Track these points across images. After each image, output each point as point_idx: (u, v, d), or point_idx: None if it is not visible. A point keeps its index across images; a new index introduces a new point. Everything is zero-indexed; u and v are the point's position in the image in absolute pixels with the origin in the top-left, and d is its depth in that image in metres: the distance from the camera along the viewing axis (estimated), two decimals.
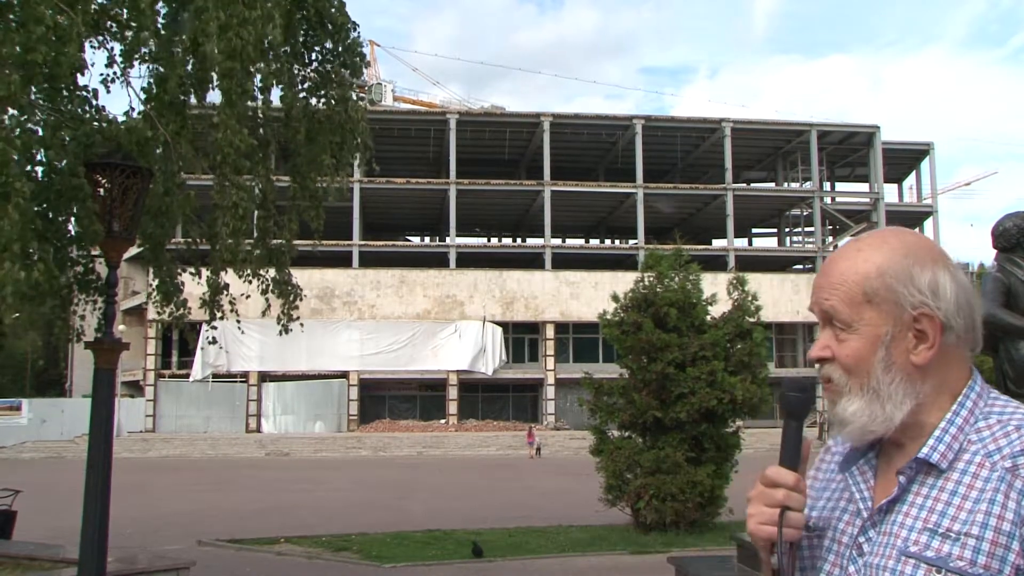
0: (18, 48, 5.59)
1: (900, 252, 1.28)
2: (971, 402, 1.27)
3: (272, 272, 9.27)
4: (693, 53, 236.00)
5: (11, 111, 5.94)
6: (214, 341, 9.60)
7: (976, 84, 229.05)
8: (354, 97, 9.26)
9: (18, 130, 5.93)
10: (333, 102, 8.82)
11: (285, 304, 9.35)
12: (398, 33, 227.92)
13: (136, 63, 7.23)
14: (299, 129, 8.69)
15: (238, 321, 9.35)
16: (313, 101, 8.92)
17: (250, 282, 8.85)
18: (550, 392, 47.58)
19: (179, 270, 9.16)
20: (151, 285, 9.18)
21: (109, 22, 7.17)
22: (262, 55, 7.19)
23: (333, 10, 8.67)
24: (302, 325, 9.60)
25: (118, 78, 7.32)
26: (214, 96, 7.60)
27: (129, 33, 6.99)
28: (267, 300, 9.27)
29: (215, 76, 6.74)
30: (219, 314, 9.04)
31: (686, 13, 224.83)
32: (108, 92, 7.34)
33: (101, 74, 7.32)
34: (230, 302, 9.13)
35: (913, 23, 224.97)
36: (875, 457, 1.33)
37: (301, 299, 9.62)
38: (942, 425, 1.25)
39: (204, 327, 9.52)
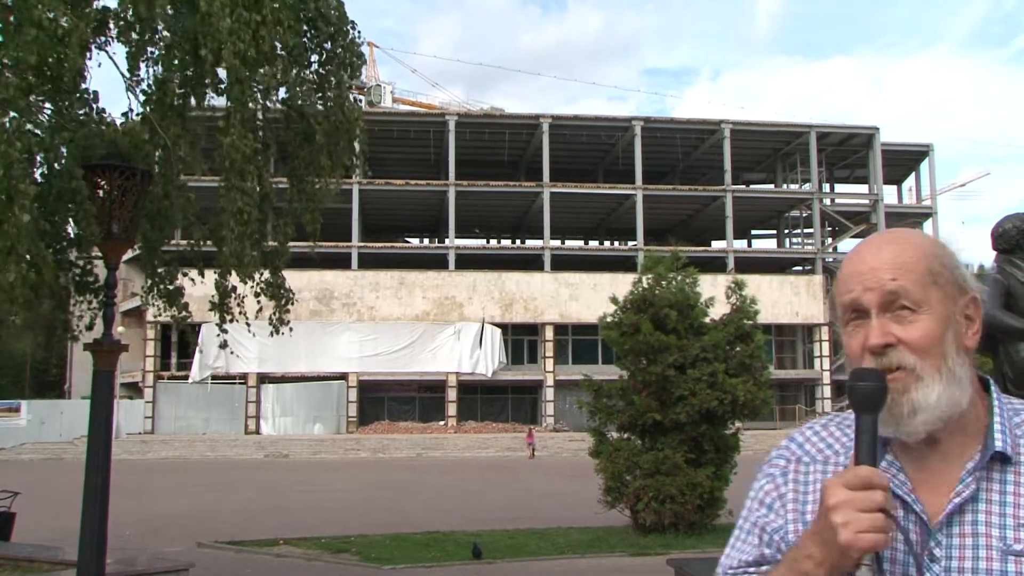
0: (13, 51, 5.59)
1: (933, 241, 1.29)
2: (996, 393, 1.26)
3: (266, 274, 9.24)
4: (696, 55, 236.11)
5: (12, 114, 5.93)
6: (225, 345, 9.62)
7: (978, 85, 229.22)
8: (352, 99, 9.25)
9: (18, 132, 5.93)
10: (330, 104, 8.81)
11: (277, 307, 9.34)
12: (401, 34, 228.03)
13: (142, 65, 7.22)
14: (296, 132, 8.69)
15: (248, 323, 9.37)
16: (311, 103, 8.90)
17: (245, 282, 8.83)
18: (549, 394, 47.55)
19: (180, 272, 9.15)
20: (145, 287, 9.19)
21: (113, 24, 7.15)
22: (265, 59, 7.19)
23: (332, 11, 8.66)
24: (291, 329, 9.59)
25: (130, 86, 7.31)
26: (214, 98, 7.58)
27: (135, 35, 6.98)
28: (259, 302, 9.26)
29: (223, 81, 6.72)
30: (229, 317, 9.06)
31: (689, 15, 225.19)
32: (134, 95, 7.30)
33: (123, 75, 7.29)
34: (238, 304, 9.14)
35: (915, 24, 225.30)
36: (894, 458, 1.26)
37: (293, 303, 9.59)
38: (997, 415, 1.23)
39: (203, 328, 9.51)
